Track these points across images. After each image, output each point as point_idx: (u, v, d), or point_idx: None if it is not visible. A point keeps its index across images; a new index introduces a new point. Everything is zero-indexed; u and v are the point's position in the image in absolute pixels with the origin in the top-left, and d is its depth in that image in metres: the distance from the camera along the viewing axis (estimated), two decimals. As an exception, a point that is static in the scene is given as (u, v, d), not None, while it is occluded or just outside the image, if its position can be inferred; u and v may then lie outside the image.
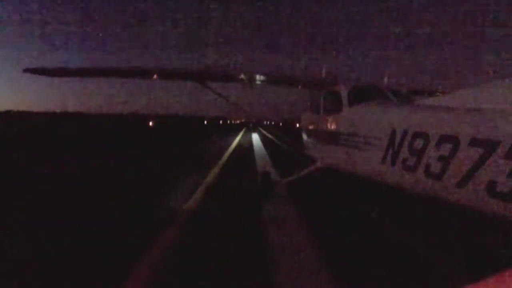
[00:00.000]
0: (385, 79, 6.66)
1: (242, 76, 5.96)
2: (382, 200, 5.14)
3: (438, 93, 6.84)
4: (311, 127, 6.88)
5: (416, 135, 3.32)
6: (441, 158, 2.95)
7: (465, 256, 3.41)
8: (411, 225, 4.45)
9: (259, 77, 6.11)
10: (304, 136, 7.45)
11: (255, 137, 25.45)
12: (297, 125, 9.62)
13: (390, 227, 4.52)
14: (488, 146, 2.53)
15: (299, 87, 6.86)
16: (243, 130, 36.73)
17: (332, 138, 5.43)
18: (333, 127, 5.49)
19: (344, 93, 5.29)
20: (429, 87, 7.48)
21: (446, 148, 2.90)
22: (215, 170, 9.18)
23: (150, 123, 52.71)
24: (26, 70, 5.57)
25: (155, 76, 6.20)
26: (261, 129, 35.59)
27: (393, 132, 3.69)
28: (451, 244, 3.76)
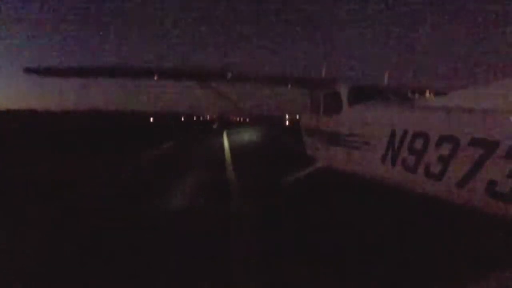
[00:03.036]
0: (385, 79, 6.68)
1: (241, 75, 5.94)
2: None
3: (437, 93, 6.85)
4: (311, 127, 6.89)
5: (416, 135, 3.34)
6: (440, 158, 2.97)
7: (465, 256, 3.42)
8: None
9: (258, 77, 6.09)
10: (305, 136, 7.46)
11: None
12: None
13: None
14: (487, 146, 2.55)
15: (300, 87, 6.86)
16: None
17: (332, 138, 5.44)
18: (333, 127, 5.50)
19: (344, 93, 5.30)
20: (429, 87, 7.50)
21: (445, 148, 2.92)
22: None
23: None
24: (27, 70, 5.55)
25: (155, 76, 6.19)
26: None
27: (393, 132, 3.70)
28: (450, 244, 3.77)
